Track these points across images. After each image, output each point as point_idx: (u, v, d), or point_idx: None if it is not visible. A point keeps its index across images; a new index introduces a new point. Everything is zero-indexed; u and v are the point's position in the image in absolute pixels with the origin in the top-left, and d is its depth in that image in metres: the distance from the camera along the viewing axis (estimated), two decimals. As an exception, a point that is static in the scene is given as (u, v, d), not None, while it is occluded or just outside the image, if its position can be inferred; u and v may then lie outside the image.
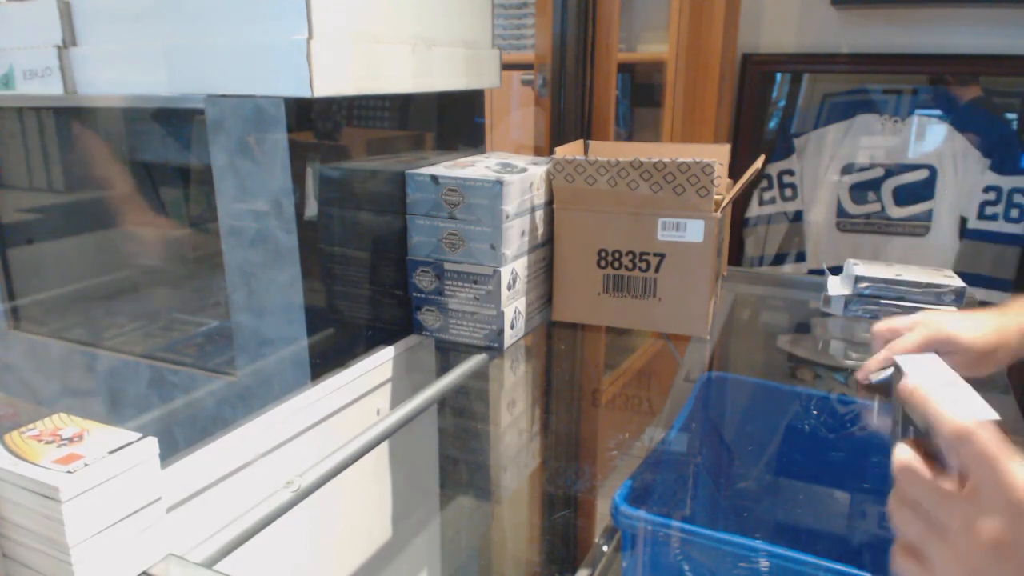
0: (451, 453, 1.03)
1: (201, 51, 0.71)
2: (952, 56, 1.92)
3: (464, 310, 0.83)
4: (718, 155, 1.00)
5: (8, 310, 1.01)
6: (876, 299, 1.01)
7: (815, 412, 1.13)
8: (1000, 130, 1.92)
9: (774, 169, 2.11)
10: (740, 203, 2.14)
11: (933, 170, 1.97)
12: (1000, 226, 1.91)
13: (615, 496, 0.88)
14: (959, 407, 0.42)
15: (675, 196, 0.82)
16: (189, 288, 1.00)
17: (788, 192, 2.11)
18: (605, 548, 0.98)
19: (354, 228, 0.80)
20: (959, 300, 0.98)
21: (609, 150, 1.10)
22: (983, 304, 2.08)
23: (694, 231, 0.83)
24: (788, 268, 2.14)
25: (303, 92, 0.66)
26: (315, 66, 0.66)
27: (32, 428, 0.48)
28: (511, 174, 0.80)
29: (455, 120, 0.99)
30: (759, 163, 1.01)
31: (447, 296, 0.83)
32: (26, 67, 0.81)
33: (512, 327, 0.84)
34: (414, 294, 0.85)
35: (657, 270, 0.85)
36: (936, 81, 1.97)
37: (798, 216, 2.11)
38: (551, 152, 0.91)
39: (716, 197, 0.82)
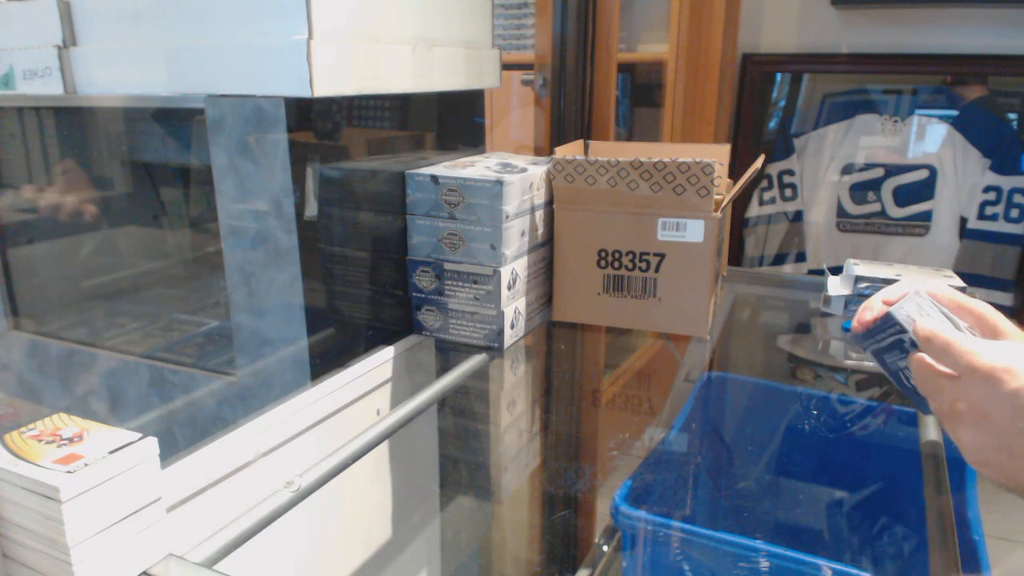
0: (451, 453, 1.03)
1: (201, 51, 0.71)
2: (952, 56, 1.92)
3: (464, 310, 0.83)
4: (718, 155, 1.00)
5: (8, 310, 1.01)
6: (876, 299, 1.01)
7: (815, 412, 1.13)
8: (1000, 130, 1.92)
9: (774, 169, 2.11)
10: (740, 203, 2.14)
11: (933, 170, 1.97)
12: (1000, 226, 1.91)
13: (615, 496, 0.88)
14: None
15: (675, 196, 0.82)
16: (189, 288, 1.00)
17: (788, 192, 2.11)
18: (605, 548, 0.98)
19: (354, 228, 0.80)
20: (959, 300, 0.98)
21: (609, 150, 1.10)
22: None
23: (694, 231, 0.83)
24: (788, 268, 2.14)
25: (303, 92, 0.66)
26: (315, 66, 0.66)
27: (32, 428, 0.48)
28: (511, 174, 0.80)
29: (455, 120, 0.99)
30: (759, 163, 1.01)
31: (447, 296, 0.83)
32: (26, 67, 0.81)
33: (512, 327, 0.84)
34: (414, 294, 0.85)
35: (657, 270, 0.85)
36: (936, 81, 1.97)
37: (798, 216, 2.11)
38: (551, 152, 0.91)
39: (716, 197, 0.82)
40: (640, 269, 0.86)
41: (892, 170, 2.01)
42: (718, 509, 1.18)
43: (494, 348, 0.83)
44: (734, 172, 1.04)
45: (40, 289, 1.03)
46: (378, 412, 0.81)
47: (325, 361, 0.76)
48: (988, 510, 0.85)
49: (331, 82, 0.68)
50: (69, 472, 0.43)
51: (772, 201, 2.13)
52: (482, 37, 0.95)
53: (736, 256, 2.19)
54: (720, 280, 1.06)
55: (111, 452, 0.45)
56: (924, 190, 1.99)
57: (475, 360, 0.81)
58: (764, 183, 2.12)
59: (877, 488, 1.11)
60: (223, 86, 0.71)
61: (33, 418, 0.49)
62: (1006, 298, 1.93)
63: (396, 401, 0.83)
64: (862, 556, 1.10)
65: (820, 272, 1.06)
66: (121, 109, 0.91)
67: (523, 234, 0.83)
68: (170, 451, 0.55)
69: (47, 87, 0.80)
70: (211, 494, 0.60)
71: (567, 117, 1.48)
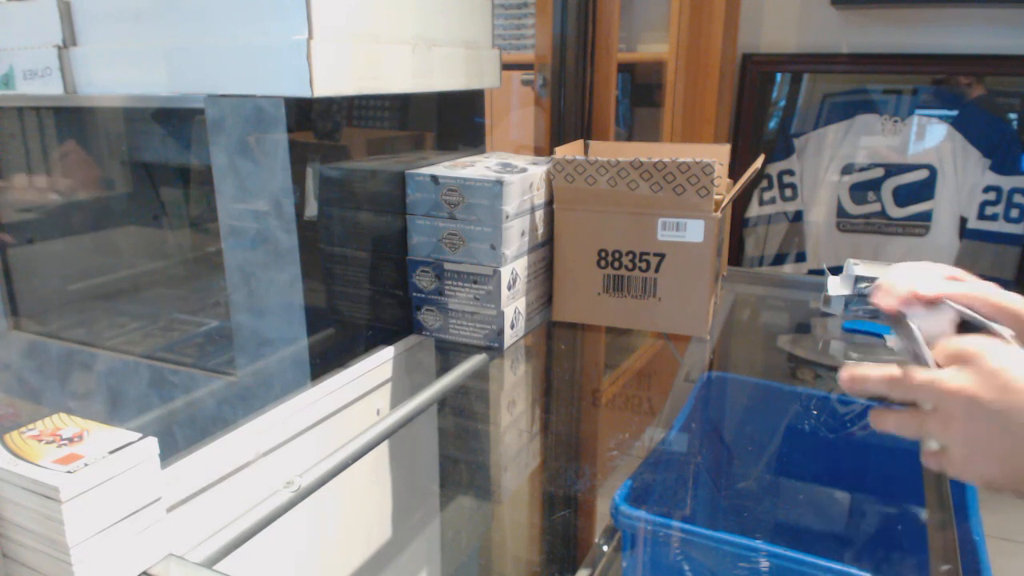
0: (451, 453, 1.03)
1: (201, 51, 0.71)
2: (952, 56, 1.92)
3: (464, 310, 0.83)
4: (718, 155, 1.00)
5: (8, 310, 1.01)
6: (876, 299, 1.01)
7: (815, 412, 1.13)
8: (1000, 130, 1.92)
9: (774, 169, 2.11)
10: (740, 203, 2.14)
11: (933, 170, 1.97)
12: (1000, 226, 1.91)
13: (615, 496, 0.88)
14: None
15: (675, 196, 0.82)
16: (189, 288, 1.00)
17: (788, 192, 2.11)
18: (605, 548, 0.98)
19: (354, 228, 0.80)
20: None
21: (609, 150, 1.10)
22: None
23: (694, 231, 0.83)
24: (788, 268, 2.14)
25: (303, 92, 0.66)
26: (315, 66, 0.66)
27: (32, 428, 0.48)
28: (511, 174, 0.80)
29: (455, 120, 0.99)
30: (759, 163, 1.01)
31: (447, 296, 0.83)
32: (26, 67, 0.81)
33: (512, 327, 0.84)
34: (414, 294, 0.85)
35: (657, 270, 0.85)
36: (936, 81, 1.97)
37: (798, 216, 2.11)
38: (551, 152, 0.91)
39: (716, 197, 0.82)
40: (640, 269, 0.86)
41: (892, 170, 2.01)
42: (718, 509, 1.18)
43: (494, 348, 0.83)
44: (734, 172, 1.05)
45: (40, 289, 1.03)
46: (378, 412, 0.81)
47: (325, 361, 0.76)
48: (988, 510, 0.85)
49: (331, 82, 0.68)
50: (69, 472, 0.43)
51: (772, 201, 2.13)
52: (482, 37, 0.95)
53: (736, 256, 2.19)
54: (720, 280, 1.06)
55: (111, 452, 0.45)
56: (924, 190, 1.99)
57: (475, 360, 0.81)
58: (764, 183, 2.12)
59: (877, 488, 1.11)
60: (223, 86, 0.71)
61: (33, 418, 0.49)
62: (1006, 298, 1.92)
63: (396, 401, 0.83)
64: (862, 556, 1.10)
65: (820, 272, 1.06)
66: (121, 109, 0.91)
67: (523, 234, 0.83)
68: (170, 451, 0.55)
69: (47, 87, 0.80)
70: (211, 494, 0.60)
71: (567, 117, 1.48)
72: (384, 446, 0.84)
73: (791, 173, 2.10)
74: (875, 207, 2.04)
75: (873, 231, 2.05)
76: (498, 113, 1.91)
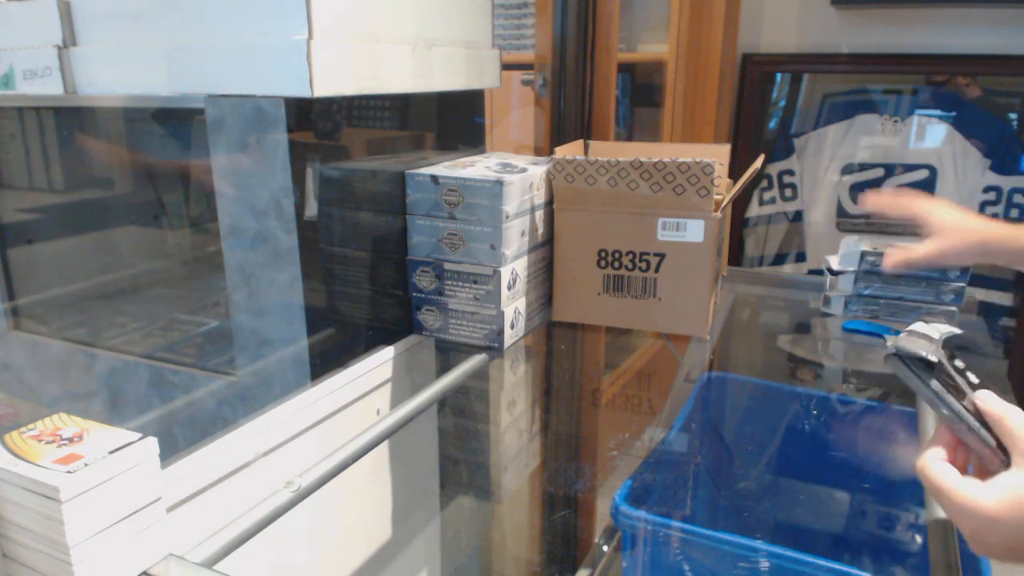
0: (451, 453, 1.03)
1: (201, 51, 0.71)
2: (952, 56, 1.92)
3: (464, 310, 0.83)
4: (718, 155, 1.00)
5: (8, 310, 1.01)
6: (876, 299, 1.01)
7: (815, 412, 1.14)
8: (1000, 130, 1.92)
9: (774, 169, 2.11)
10: (740, 203, 2.14)
11: (933, 170, 1.97)
12: (1000, 226, 1.90)
13: (615, 496, 0.88)
14: None
15: (675, 196, 0.82)
16: (189, 288, 1.00)
17: (788, 192, 2.11)
18: (605, 548, 0.98)
19: (354, 228, 0.80)
20: (959, 299, 0.98)
21: (609, 150, 1.10)
22: (983, 304, 2.07)
23: (694, 231, 0.83)
24: (788, 268, 2.15)
25: (303, 92, 0.66)
26: (315, 66, 0.66)
27: (32, 428, 0.48)
28: (511, 174, 0.80)
29: (455, 120, 0.99)
30: (759, 163, 1.01)
31: (447, 296, 0.83)
32: (26, 67, 0.81)
33: (512, 327, 0.84)
34: (414, 294, 0.85)
35: (657, 270, 0.85)
36: (936, 81, 1.97)
37: (798, 216, 2.11)
38: (551, 152, 0.91)
39: (716, 197, 0.82)
40: (640, 269, 0.86)
41: (892, 170, 2.01)
42: (718, 509, 1.18)
43: (494, 348, 0.83)
44: (734, 172, 1.05)
45: (40, 289, 1.03)
46: (378, 412, 0.81)
47: (325, 361, 0.76)
48: (988, 510, 0.84)
49: (331, 82, 0.68)
50: (69, 472, 0.43)
51: (772, 201, 2.13)
52: (482, 37, 0.95)
53: (736, 256, 2.19)
54: (720, 280, 1.06)
55: (111, 452, 0.45)
56: (924, 190, 1.98)
57: (475, 360, 0.81)
58: (764, 183, 2.12)
59: (877, 488, 1.11)
60: (223, 86, 0.71)
61: (33, 418, 0.49)
62: (1006, 298, 1.93)
63: (396, 401, 0.83)
64: (862, 556, 1.10)
65: (820, 272, 1.06)
66: (121, 109, 0.90)
67: (523, 234, 0.83)
68: (170, 451, 0.55)
69: (47, 87, 0.80)
70: (211, 494, 0.60)
71: (567, 117, 1.48)
72: (384, 446, 0.84)
73: (791, 173, 2.10)
74: (875, 207, 2.04)
75: (873, 231, 2.05)
76: (498, 113, 1.91)
